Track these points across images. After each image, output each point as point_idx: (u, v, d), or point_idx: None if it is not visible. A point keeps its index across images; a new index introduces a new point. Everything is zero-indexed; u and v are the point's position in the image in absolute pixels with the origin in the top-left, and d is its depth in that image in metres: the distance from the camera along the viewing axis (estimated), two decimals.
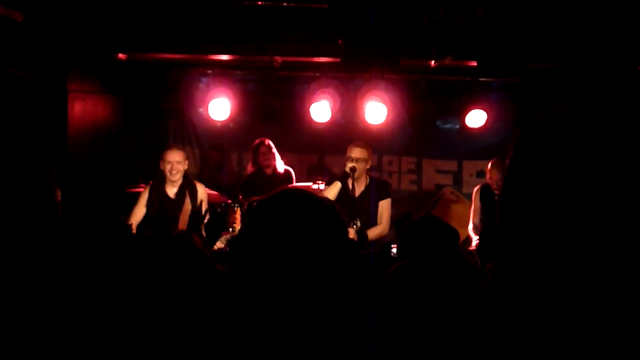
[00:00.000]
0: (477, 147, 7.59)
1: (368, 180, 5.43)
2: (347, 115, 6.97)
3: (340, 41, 5.78)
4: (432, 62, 6.24)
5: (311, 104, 6.44)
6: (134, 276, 1.69)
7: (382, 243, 5.06)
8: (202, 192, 5.31)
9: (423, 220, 3.02)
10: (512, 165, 0.88)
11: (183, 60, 6.57)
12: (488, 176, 6.08)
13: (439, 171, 7.97)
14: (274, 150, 6.50)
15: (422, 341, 1.42)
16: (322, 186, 5.59)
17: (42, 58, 5.75)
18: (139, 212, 5.17)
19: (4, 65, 5.01)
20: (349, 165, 5.23)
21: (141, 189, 5.63)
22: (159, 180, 5.22)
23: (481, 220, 6.07)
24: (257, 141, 6.54)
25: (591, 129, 0.82)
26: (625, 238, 0.77)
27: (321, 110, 6.46)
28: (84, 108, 6.65)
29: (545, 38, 5.75)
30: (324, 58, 6.25)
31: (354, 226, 5.07)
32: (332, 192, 5.21)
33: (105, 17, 5.80)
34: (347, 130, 6.88)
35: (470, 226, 6.20)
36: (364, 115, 6.47)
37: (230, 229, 5.45)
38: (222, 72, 6.62)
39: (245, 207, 5.48)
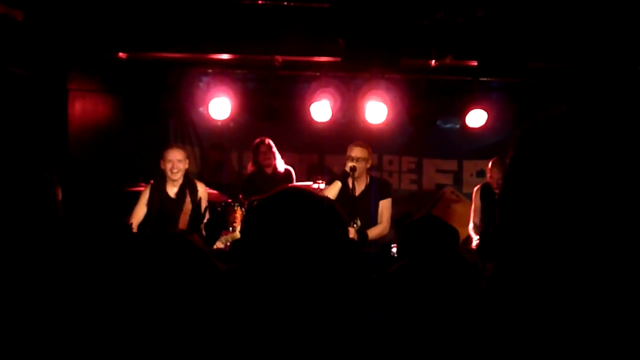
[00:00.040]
0: (477, 146, 7.59)
1: (368, 180, 5.43)
2: (347, 115, 6.97)
3: (340, 40, 5.78)
4: (433, 61, 6.24)
5: (311, 103, 6.45)
6: (134, 275, 1.70)
7: (382, 243, 5.07)
8: (203, 191, 5.31)
9: (423, 220, 3.02)
10: (512, 165, 0.88)
11: (183, 59, 6.57)
12: (488, 175, 6.08)
13: (439, 171, 7.97)
14: (274, 149, 6.50)
15: (423, 340, 1.42)
16: (322, 185, 5.60)
17: (42, 57, 5.75)
18: (140, 211, 5.17)
19: (4, 64, 5.01)
20: (349, 164, 5.24)
21: (141, 188, 5.63)
22: (159, 179, 5.22)
23: (481, 220, 6.07)
24: (257, 140, 6.54)
25: (591, 129, 0.82)
26: (624, 237, 0.77)
27: (321, 109, 6.46)
28: (84, 107, 6.65)
29: (545, 38, 5.75)
30: (325, 57, 6.25)
31: (354, 225, 5.07)
32: (332, 191, 5.21)
33: (106, 16, 5.80)
34: (347, 130, 6.88)
35: (471, 226, 6.20)
36: (364, 114, 6.47)
37: (230, 228, 5.45)
38: (223, 71, 6.62)
39: (246, 206, 5.49)
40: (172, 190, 5.20)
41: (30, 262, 1.72)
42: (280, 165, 6.53)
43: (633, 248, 0.77)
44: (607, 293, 0.79)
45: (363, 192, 5.36)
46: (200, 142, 7.85)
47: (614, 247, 0.78)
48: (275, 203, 1.56)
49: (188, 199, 5.19)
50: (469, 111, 6.62)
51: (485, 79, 6.66)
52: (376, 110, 6.41)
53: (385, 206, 5.40)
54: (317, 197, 1.59)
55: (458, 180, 7.94)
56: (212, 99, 6.52)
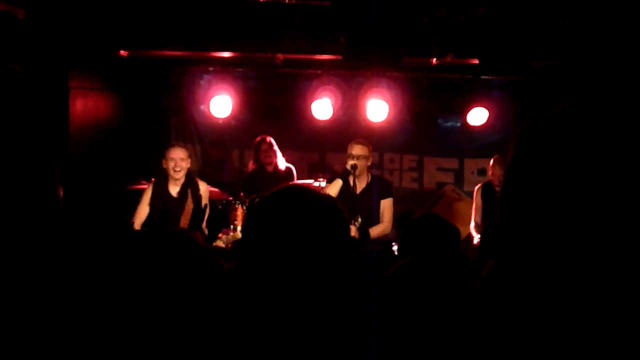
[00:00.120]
0: (478, 144, 7.58)
1: (369, 178, 5.43)
2: (348, 113, 6.98)
3: (341, 39, 5.77)
4: (434, 59, 6.24)
5: (312, 101, 6.45)
6: (136, 272, 1.70)
7: (383, 241, 5.07)
8: (204, 189, 5.31)
9: (424, 218, 3.02)
10: (513, 163, 0.88)
11: (184, 57, 6.57)
12: (490, 172, 6.07)
13: (440, 169, 7.96)
14: (276, 147, 6.50)
15: (424, 338, 1.42)
16: (323, 183, 5.60)
17: (43, 55, 5.76)
18: (143, 211, 5.16)
19: (6, 61, 5.01)
20: (350, 162, 5.24)
21: (142, 186, 5.63)
22: (161, 178, 5.22)
23: (483, 219, 6.07)
24: (258, 138, 6.54)
25: (591, 127, 0.82)
26: (624, 236, 0.77)
27: (322, 107, 6.46)
28: (85, 105, 6.65)
29: (547, 36, 5.74)
30: (326, 55, 6.25)
31: (355, 223, 5.07)
32: (333, 189, 5.21)
33: (107, 14, 5.80)
34: (348, 128, 6.88)
35: (472, 224, 6.20)
36: (366, 112, 6.47)
37: (231, 226, 5.45)
38: (224, 69, 6.62)
39: (247, 204, 5.49)
40: (174, 189, 5.20)
41: (33, 260, 1.73)
42: (282, 163, 6.54)
43: (633, 246, 0.77)
44: (608, 291, 0.79)
45: (364, 190, 5.36)
46: (202, 140, 7.85)
47: (614, 245, 0.78)
48: (277, 201, 1.56)
49: (190, 198, 5.19)
50: (470, 109, 6.62)
51: (486, 77, 6.66)
52: (377, 109, 6.41)
53: (386, 205, 5.41)
54: (318, 195, 1.59)
55: (459, 179, 7.93)
56: (213, 97, 6.52)
